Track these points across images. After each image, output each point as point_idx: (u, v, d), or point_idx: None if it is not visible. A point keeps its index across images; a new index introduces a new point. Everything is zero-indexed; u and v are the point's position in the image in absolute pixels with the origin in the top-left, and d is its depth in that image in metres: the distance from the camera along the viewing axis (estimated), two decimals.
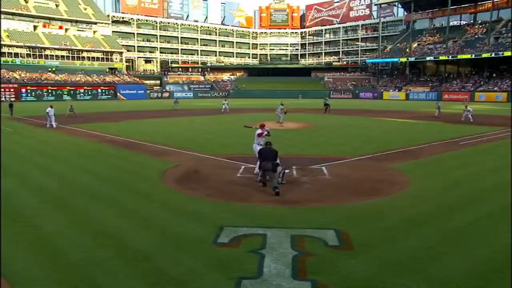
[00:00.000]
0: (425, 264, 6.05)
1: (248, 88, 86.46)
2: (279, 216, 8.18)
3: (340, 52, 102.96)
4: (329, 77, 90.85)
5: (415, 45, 79.28)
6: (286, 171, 11.33)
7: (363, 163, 13.82)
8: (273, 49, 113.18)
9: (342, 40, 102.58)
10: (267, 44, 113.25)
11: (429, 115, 34.00)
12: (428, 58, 73.40)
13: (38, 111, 40.43)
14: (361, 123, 27.88)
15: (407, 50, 78.26)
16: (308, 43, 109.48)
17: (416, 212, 8.45)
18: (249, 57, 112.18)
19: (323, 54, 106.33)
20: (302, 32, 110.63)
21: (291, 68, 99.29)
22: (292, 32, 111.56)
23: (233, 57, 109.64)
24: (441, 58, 70.91)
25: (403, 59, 76.88)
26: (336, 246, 6.73)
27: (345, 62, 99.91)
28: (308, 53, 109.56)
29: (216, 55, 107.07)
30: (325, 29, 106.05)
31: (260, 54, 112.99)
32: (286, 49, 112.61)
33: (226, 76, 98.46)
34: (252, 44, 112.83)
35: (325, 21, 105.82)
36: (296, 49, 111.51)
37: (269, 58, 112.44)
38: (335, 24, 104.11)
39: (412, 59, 75.36)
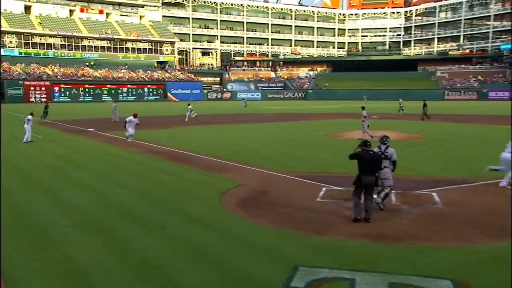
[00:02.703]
0: None
1: (332, 87, 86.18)
2: (372, 256, 7.99)
3: (461, 37, 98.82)
4: (443, 72, 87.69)
5: None
6: (386, 191, 10.99)
7: (489, 189, 13.16)
8: (366, 36, 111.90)
9: (465, 20, 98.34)
10: (358, 29, 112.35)
11: None
12: None
13: (73, 113, 43.45)
14: (488, 135, 26.55)
15: None
16: (415, 26, 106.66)
17: None
18: (333, 47, 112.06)
19: (436, 40, 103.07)
20: (406, 12, 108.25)
21: (390, 60, 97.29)
22: (393, 13, 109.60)
23: (313, 47, 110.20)
24: None
25: None
26: None
27: (467, 50, 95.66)
28: (414, 40, 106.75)
29: (291, 45, 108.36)
30: (440, 6, 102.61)
31: (348, 43, 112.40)
32: (383, 35, 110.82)
33: (303, 71, 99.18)
34: (339, 29, 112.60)
35: None
36: (398, 35, 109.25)
37: (360, 47, 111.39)
38: None
39: None
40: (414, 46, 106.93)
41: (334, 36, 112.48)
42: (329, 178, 13.91)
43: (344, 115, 42.41)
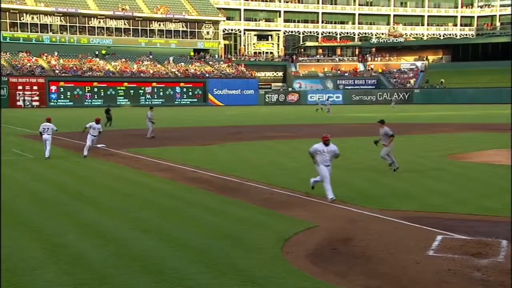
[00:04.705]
0: None
1: (451, 83, 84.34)
2: None
3: None
4: None
5: None
6: None
7: None
8: (509, 5, 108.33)
9: None
10: None
11: None
12: None
13: (76, 123, 44.37)
14: None
15: None
16: None
17: None
18: (454, 24, 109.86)
19: None
20: None
21: None
22: None
23: (422, 24, 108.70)
24: None
25: None
26: None
27: None
28: None
29: (388, 23, 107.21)
30: None
31: (478, 17, 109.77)
32: None
33: (406, 61, 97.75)
34: None
35: None
36: None
37: (498, 23, 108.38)
38: None
39: None
40: None
41: (456, 8, 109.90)
42: (449, 221, 13.61)
43: (471, 127, 41.38)
